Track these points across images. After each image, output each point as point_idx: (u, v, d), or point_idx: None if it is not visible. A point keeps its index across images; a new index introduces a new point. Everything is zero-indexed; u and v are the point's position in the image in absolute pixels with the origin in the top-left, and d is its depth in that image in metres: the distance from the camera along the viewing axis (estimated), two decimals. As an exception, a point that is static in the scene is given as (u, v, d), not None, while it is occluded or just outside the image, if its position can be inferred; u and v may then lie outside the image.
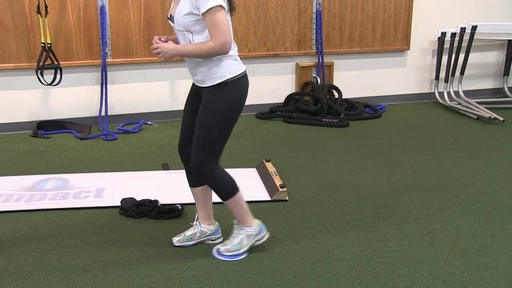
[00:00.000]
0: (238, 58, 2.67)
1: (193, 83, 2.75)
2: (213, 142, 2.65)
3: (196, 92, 2.73)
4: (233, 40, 2.61)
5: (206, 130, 2.63)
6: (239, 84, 2.64)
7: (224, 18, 2.49)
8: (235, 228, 2.84)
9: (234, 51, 2.64)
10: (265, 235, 2.86)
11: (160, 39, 2.62)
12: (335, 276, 2.62)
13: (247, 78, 2.71)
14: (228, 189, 2.75)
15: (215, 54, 2.53)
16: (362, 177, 3.91)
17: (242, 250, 2.80)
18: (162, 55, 2.57)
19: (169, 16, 2.67)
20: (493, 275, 2.62)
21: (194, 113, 2.71)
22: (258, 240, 2.84)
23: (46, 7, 4.62)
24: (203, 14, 2.47)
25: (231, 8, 2.61)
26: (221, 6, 2.46)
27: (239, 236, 2.81)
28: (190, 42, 2.59)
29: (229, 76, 2.60)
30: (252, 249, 2.84)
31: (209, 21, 2.48)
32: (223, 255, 2.80)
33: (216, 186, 2.75)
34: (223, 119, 2.63)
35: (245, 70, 2.69)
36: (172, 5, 2.67)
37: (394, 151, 4.52)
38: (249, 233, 2.81)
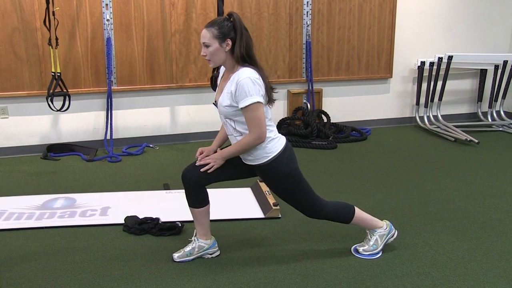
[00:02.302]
0: (278, 135, 2.71)
1: None
2: (303, 198, 2.75)
3: (243, 164, 2.77)
4: (269, 119, 2.65)
5: (291, 197, 2.75)
6: (284, 153, 2.68)
7: (261, 113, 2.54)
8: (368, 233, 2.97)
9: (273, 132, 2.67)
10: (395, 233, 2.98)
11: (202, 153, 2.77)
12: (325, 288, 2.62)
13: (290, 146, 2.74)
14: (345, 214, 2.86)
15: (254, 146, 2.60)
16: (349, 196, 3.92)
17: (379, 249, 2.93)
18: (215, 165, 2.67)
19: (214, 102, 2.72)
20: (470, 286, 2.62)
21: (229, 165, 2.74)
22: (391, 238, 2.96)
23: (57, 39, 4.66)
24: (241, 109, 2.52)
25: (270, 101, 2.65)
26: (259, 102, 2.52)
27: (374, 237, 2.93)
28: (233, 127, 2.65)
29: (273, 155, 2.65)
30: (247, 264, 2.84)
31: (247, 116, 2.54)
32: (363, 255, 2.92)
33: (335, 219, 2.88)
34: (292, 182, 2.70)
35: (286, 142, 2.72)
36: (216, 91, 2.72)
37: (379, 171, 4.54)
38: (381, 233, 2.93)
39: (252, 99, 2.50)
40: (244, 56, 2.57)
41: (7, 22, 4.77)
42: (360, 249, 2.95)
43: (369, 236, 2.95)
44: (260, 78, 2.57)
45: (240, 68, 2.58)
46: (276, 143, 2.68)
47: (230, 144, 2.75)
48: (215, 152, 2.78)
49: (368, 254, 2.91)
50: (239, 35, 2.56)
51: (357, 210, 2.89)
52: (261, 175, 2.75)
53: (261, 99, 2.54)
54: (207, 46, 2.58)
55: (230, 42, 2.56)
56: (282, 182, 2.71)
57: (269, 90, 2.63)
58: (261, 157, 2.66)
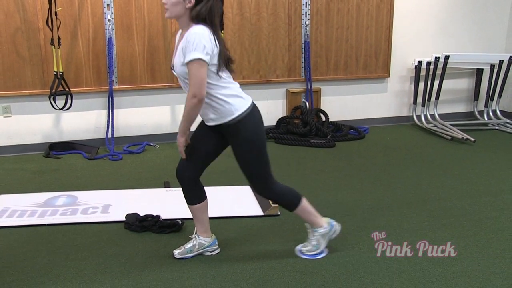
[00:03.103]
0: (243, 94, 2.65)
1: (202, 121, 2.75)
2: (259, 170, 2.70)
3: (207, 128, 2.72)
4: (230, 79, 2.60)
5: (249, 165, 2.68)
6: (251, 117, 2.62)
7: (201, 72, 2.42)
8: (309, 232, 2.91)
9: (234, 90, 2.61)
10: (338, 228, 2.94)
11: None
12: (324, 285, 2.61)
13: (257, 108, 2.69)
14: (292, 201, 2.81)
15: (193, 106, 2.49)
16: (348, 194, 3.92)
17: (321, 249, 2.88)
18: (180, 145, 2.66)
19: (172, 67, 2.66)
20: (467, 282, 2.62)
21: (202, 141, 2.72)
22: (333, 234, 2.92)
23: (59, 39, 4.65)
24: (186, 64, 2.45)
25: (227, 61, 2.56)
26: (200, 59, 2.41)
27: (315, 237, 2.87)
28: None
29: (238, 113, 2.58)
30: (247, 261, 2.84)
31: (189, 72, 2.45)
32: (305, 255, 2.87)
33: (281, 202, 2.84)
34: (255, 150, 2.65)
35: (252, 102, 2.66)
36: (173, 56, 2.64)
37: (376, 169, 4.53)
38: (322, 232, 2.88)
39: (194, 54, 2.39)
40: (205, 19, 2.47)
41: (10, 22, 4.76)
42: (304, 250, 2.89)
43: (311, 237, 2.90)
44: (213, 38, 2.46)
45: (193, 25, 2.48)
46: (241, 101, 2.61)
47: None
48: None
49: (312, 254, 2.87)
50: None
51: (304, 201, 2.83)
52: (228, 136, 2.66)
53: (204, 57, 2.40)
54: None
55: (193, 0, 2.47)
56: (246, 147, 2.63)
57: (224, 56, 2.52)
58: (225, 114, 2.58)
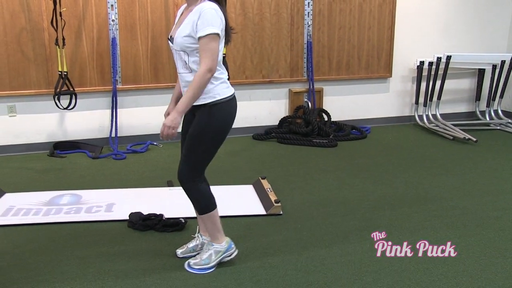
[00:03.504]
0: (228, 82, 2.64)
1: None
2: (199, 160, 2.62)
3: (191, 117, 2.67)
4: (222, 65, 2.60)
5: (194, 148, 2.58)
6: (229, 106, 2.60)
7: (217, 46, 2.47)
8: (205, 244, 2.80)
9: (224, 75, 2.61)
10: (234, 252, 2.79)
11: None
12: (326, 284, 2.61)
13: (236, 102, 2.66)
14: (206, 204, 2.69)
15: (205, 80, 2.45)
16: (350, 193, 3.91)
17: (211, 265, 2.73)
18: (171, 134, 2.49)
19: (169, 37, 2.64)
20: (468, 282, 2.62)
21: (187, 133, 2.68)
22: (227, 257, 2.77)
23: (63, 39, 4.66)
24: (199, 38, 2.45)
25: (227, 41, 2.61)
26: (217, 34, 2.45)
27: (209, 251, 2.75)
28: (186, 62, 2.55)
29: (219, 97, 2.56)
30: (249, 260, 2.84)
31: (203, 46, 2.45)
32: (192, 268, 2.73)
33: (195, 199, 2.69)
34: (210, 140, 2.59)
35: (234, 93, 2.65)
36: (173, 27, 2.65)
37: (378, 169, 4.52)
38: (217, 249, 2.74)
39: (212, 29, 2.42)
40: None
41: (15, 22, 4.77)
42: (191, 262, 2.76)
43: (204, 249, 2.78)
44: (222, 15, 2.50)
45: (204, 0, 2.50)
46: (225, 88, 2.59)
47: None
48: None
49: (198, 268, 2.72)
50: None
51: (216, 212, 2.71)
52: (198, 114, 2.57)
53: (220, 32, 2.45)
54: None
55: None
56: (205, 131, 2.55)
57: (229, 30, 2.58)
58: (208, 96, 2.53)
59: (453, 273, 2.70)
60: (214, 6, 2.47)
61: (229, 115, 2.62)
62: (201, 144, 2.58)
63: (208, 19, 2.43)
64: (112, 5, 5.00)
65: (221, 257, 2.76)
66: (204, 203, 2.69)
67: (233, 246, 2.80)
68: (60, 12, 4.62)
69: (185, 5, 2.63)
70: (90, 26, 4.99)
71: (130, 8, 5.07)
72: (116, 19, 5.03)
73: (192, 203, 2.72)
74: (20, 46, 4.82)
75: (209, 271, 2.72)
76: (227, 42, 2.62)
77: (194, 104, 2.54)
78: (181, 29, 2.52)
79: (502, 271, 2.72)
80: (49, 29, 4.78)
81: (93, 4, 4.95)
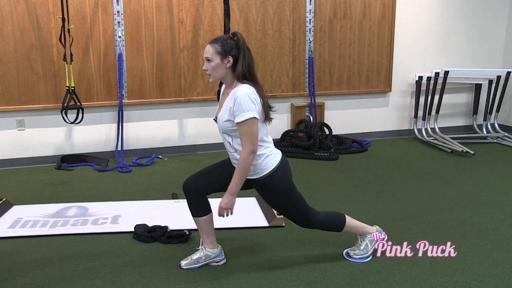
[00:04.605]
0: (274, 151, 2.69)
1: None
2: (296, 210, 2.76)
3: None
4: (266, 139, 2.66)
5: (285, 209, 2.76)
6: (277, 172, 2.65)
7: (255, 129, 2.53)
8: (359, 238, 2.99)
9: (269, 148, 2.67)
10: (385, 237, 2.99)
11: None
12: (327, 294, 2.60)
13: (286, 160, 2.71)
14: (336, 223, 2.87)
15: (249, 161, 2.54)
16: (350, 205, 3.91)
17: (369, 253, 2.95)
18: (229, 211, 2.64)
19: (214, 118, 2.71)
20: (468, 293, 2.61)
21: (225, 173, 2.73)
22: (381, 241, 2.98)
23: (71, 55, 4.70)
24: (237, 123, 2.51)
25: (267, 119, 2.65)
26: (254, 118, 2.50)
27: (364, 242, 2.95)
28: (230, 143, 2.64)
29: (267, 171, 2.63)
30: (252, 271, 2.83)
31: (241, 130, 2.52)
32: (353, 258, 2.94)
33: (327, 228, 2.88)
34: (285, 197, 2.71)
35: (281, 157, 2.70)
36: (217, 108, 2.71)
37: (379, 181, 4.52)
38: (371, 239, 2.96)
39: (248, 115, 2.49)
40: (246, 74, 2.58)
41: (25, 39, 4.82)
42: (351, 253, 2.98)
43: (359, 241, 2.98)
44: (258, 96, 2.57)
45: (239, 84, 2.58)
46: (271, 159, 2.66)
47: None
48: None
49: (359, 258, 2.94)
50: (242, 54, 2.57)
51: (348, 218, 2.90)
52: (256, 188, 2.74)
53: (257, 115, 2.53)
54: (209, 60, 2.58)
55: (231, 59, 2.57)
56: (277, 196, 2.71)
57: (267, 108, 2.62)
58: (256, 172, 2.65)
59: (452, 284, 2.69)
60: (248, 90, 2.53)
61: (283, 175, 2.68)
62: (283, 203, 2.74)
63: (243, 105, 2.49)
64: (119, 22, 5.05)
65: (375, 243, 2.97)
66: (335, 225, 2.88)
67: (382, 231, 3.00)
68: (69, 29, 4.67)
69: (224, 85, 2.71)
70: (97, 42, 5.03)
71: (136, 25, 5.11)
72: (123, 35, 5.08)
73: (329, 231, 2.92)
74: (29, 62, 4.87)
75: (368, 259, 2.94)
76: (267, 119, 2.66)
77: (247, 178, 2.66)
78: (222, 114, 2.60)
79: (500, 282, 2.71)
80: (57, 46, 4.83)
81: (100, 21, 5.00)
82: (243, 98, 2.50)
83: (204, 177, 2.79)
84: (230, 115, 2.54)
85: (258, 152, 2.60)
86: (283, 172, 2.68)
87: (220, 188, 2.78)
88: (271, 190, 2.69)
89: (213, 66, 2.57)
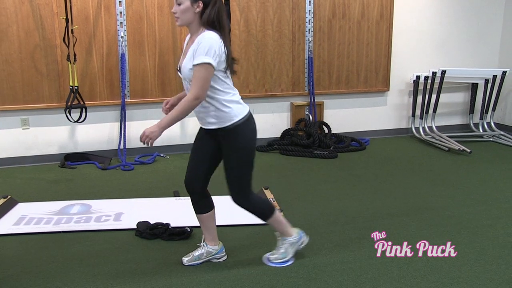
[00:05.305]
0: (242, 101, 2.66)
1: (201, 127, 2.73)
2: (244, 179, 2.68)
3: (205, 134, 2.70)
4: (233, 87, 2.61)
5: (237, 172, 2.65)
6: (248, 124, 2.62)
7: (208, 76, 2.44)
8: (278, 240, 2.90)
9: (236, 96, 2.63)
10: (305, 240, 2.94)
11: (168, 103, 2.67)
12: (326, 290, 2.61)
13: (253, 116, 2.68)
14: (266, 211, 2.80)
15: (191, 106, 2.47)
16: (349, 203, 3.91)
17: (288, 257, 2.87)
18: (147, 143, 2.46)
19: (178, 68, 2.66)
20: (464, 289, 2.61)
21: (203, 151, 2.70)
22: (300, 245, 2.92)
23: (75, 55, 4.70)
24: (193, 65, 2.45)
25: (230, 69, 2.57)
26: (209, 64, 2.43)
27: (284, 245, 2.87)
28: None
29: (237, 119, 2.57)
30: (252, 267, 2.84)
31: (195, 74, 2.45)
32: (273, 263, 2.86)
33: (255, 212, 2.80)
34: (246, 158, 2.64)
35: (249, 110, 2.67)
36: (181, 58, 2.66)
37: (377, 179, 4.52)
38: (291, 241, 2.87)
39: (206, 59, 2.40)
40: (214, 22, 2.49)
41: (29, 40, 4.82)
42: (271, 258, 2.88)
43: (279, 245, 2.89)
44: (223, 45, 2.49)
45: (205, 30, 2.49)
46: (240, 108, 2.60)
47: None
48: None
49: (278, 262, 2.86)
50: (213, 1, 2.49)
51: (277, 212, 2.83)
52: (222, 140, 2.63)
53: (213, 62, 2.42)
54: (179, 4, 2.50)
55: (201, 5, 2.48)
56: (238, 151, 2.61)
57: (230, 59, 2.54)
58: (225, 119, 2.56)
59: (449, 280, 2.69)
60: (214, 35, 2.46)
61: (253, 131, 2.65)
62: (240, 163, 2.63)
63: (203, 47, 2.42)
64: (121, 23, 5.05)
65: (295, 248, 2.89)
66: (264, 212, 2.80)
67: (303, 234, 2.93)
68: (72, 30, 4.67)
69: (190, 35, 2.63)
70: (100, 42, 5.03)
71: (138, 26, 5.11)
72: (125, 36, 5.08)
73: (254, 215, 2.81)
74: (34, 62, 4.87)
75: (288, 263, 2.85)
76: (231, 72, 2.60)
77: (211, 128, 2.60)
78: (186, 62, 2.53)
79: (496, 278, 2.71)
80: (61, 46, 4.83)
81: (103, 21, 5.00)
82: (208, 42, 2.42)
83: (198, 167, 2.73)
84: (193, 60, 2.46)
85: (228, 98, 2.55)
86: (253, 129, 2.64)
87: (215, 162, 2.74)
88: (236, 141, 2.59)
89: (182, 9, 2.49)
